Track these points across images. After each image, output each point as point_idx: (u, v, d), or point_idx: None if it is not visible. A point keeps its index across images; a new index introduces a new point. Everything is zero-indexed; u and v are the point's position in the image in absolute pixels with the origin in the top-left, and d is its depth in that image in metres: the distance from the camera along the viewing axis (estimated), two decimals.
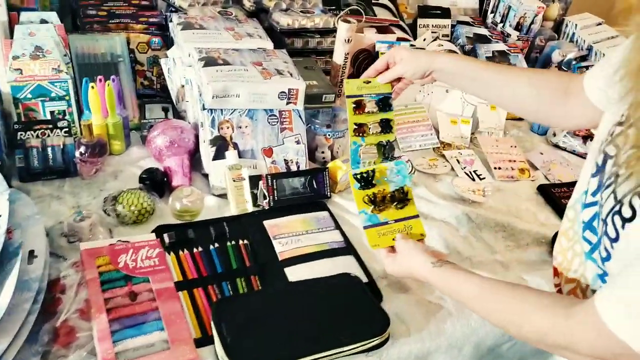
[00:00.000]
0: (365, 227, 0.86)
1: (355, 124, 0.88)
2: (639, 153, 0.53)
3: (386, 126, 0.91)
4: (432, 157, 1.31)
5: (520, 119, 1.56)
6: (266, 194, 1.03)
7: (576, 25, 1.90)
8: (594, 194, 0.64)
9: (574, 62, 1.80)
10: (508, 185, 1.25)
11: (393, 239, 0.85)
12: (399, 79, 0.90)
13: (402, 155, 1.19)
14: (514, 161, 1.32)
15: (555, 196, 1.22)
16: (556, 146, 1.45)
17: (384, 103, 0.91)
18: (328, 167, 1.08)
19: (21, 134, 1.01)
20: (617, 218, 0.56)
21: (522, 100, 0.87)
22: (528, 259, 1.02)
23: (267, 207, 1.03)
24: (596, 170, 0.65)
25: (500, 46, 1.70)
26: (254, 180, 1.03)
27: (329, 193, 1.07)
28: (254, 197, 1.03)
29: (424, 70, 0.87)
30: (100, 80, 1.05)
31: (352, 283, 0.87)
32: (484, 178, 1.26)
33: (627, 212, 0.55)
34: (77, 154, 1.03)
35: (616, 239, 0.56)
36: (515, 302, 0.66)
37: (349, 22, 1.19)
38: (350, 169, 0.89)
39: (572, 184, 0.76)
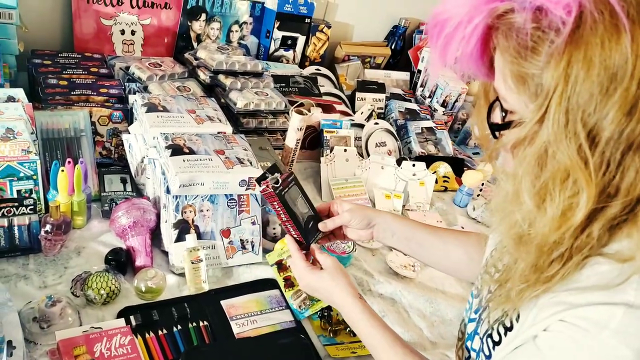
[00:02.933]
0: (325, 345, 1.04)
1: (284, 279, 1.04)
2: (500, 292, 0.68)
3: None
4: None
5: (445, 190, 1.77)
6: None
7: None
8: (476, 311, 0.79)
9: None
10: None
11: (352, 352, 1.01)
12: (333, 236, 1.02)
13: None
14: None
15: None
16: (475, 220, 1.66)
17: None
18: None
19: None
20: (489, 340, 0.71)
21: (453, 259, 0.98)
22: (451, 334, 1.19)
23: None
24: (476, 292, 0.81)
25: (429, 123, 1.92)
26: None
27: None
28: None
29: (369, 221, 0.97)
30: (69, 162, 1.11)
31: (300, 343, 1.02)
32: None
33: (496, 337, 0.70)
34: (42, 232, 1.08)
35: (490, 357, 0.71)
36: None
37: (301, 113, 1.33)
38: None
39: None
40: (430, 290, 1.30)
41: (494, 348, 0.71)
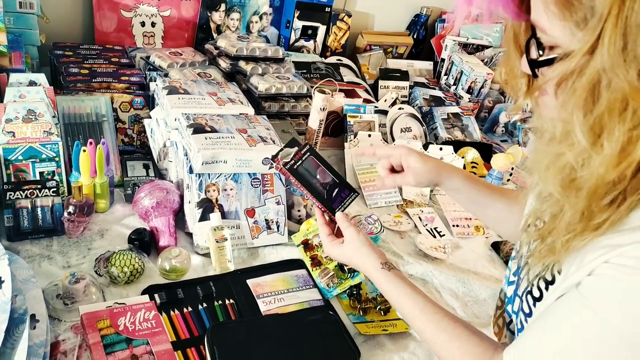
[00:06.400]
0: (354, 323, 1.00)
1: (310, 258, 1.05)
2: (541, 246, 0.63)
3: None
4: (396, 214, 1.42)
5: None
6: None
7: None
8: (515, 273, 0.75)
9: (518, 124, 2.00)
10: (465, 242, 1.37)
11: (383, 330, 0.97)
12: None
13: (372, 214, 1.29)
14: (470, 219, 1.45)
15: (507, 253, 1.35)
16: None
17: None
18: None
19: (10, 194, 1.04)
20: (529, 297, 0.67)
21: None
22: (486, 313, 1.13)
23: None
24: (515, 254, 0.76)
25: (455, 109, 1.87)
26: None
27: None
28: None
29: (434, 183, 0.92)
30: (91, 143, 1.10)
31: (329, 319, 0.99)
32: (443, 235, 1.38)
33: (536, 293, 0.65)
34: (65, 213, 1.06)
35: (530, 314, 0.67)
36: (447, 337, 0.73)
37: (324, 92, 1.30)
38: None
39: None
40: (462, 271, 1.25)
41: (534, 304, 0.66)
